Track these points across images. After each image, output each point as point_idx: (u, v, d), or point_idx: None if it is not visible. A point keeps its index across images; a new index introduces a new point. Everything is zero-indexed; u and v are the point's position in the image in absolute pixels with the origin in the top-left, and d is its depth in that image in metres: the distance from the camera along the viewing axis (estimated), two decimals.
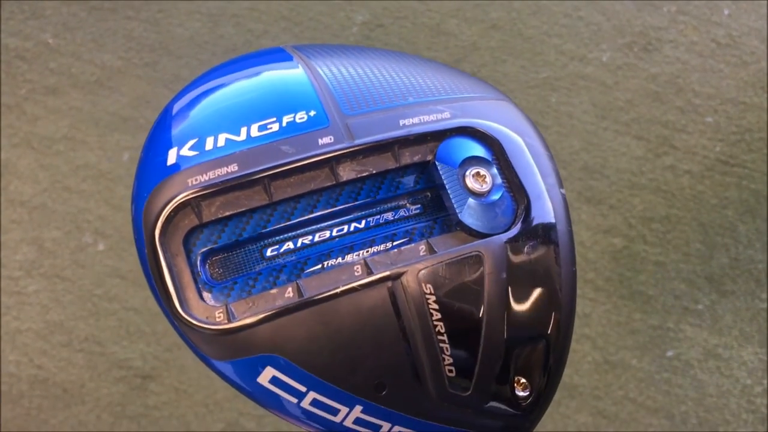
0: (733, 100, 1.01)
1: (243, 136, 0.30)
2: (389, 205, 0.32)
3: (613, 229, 0.94)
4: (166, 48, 1.03)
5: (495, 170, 0.32)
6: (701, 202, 0.96)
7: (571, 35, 1.04)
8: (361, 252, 0.31)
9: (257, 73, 0.34)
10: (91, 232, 0.93)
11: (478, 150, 0.32)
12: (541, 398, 0.32)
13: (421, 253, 0.30)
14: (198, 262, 0.30)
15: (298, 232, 0.31)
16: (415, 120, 0.31)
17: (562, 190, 0.32)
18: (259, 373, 0.29)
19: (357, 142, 0.30)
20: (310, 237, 0.31)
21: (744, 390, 0.89)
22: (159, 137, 0.32)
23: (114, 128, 0.98)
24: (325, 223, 0.31)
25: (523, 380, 0.31)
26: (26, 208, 0.95)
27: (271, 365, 0.29)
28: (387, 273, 0.29)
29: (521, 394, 0.31)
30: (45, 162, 0.96)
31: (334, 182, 0.30)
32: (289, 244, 0.31)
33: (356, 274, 0.29)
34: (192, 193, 0.29)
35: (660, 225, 0.95)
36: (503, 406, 0.31)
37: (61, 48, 1.03)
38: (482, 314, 0.30)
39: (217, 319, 0.29)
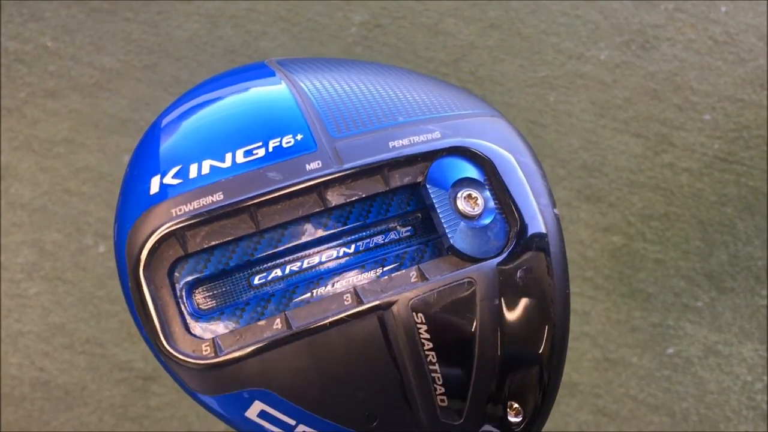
0: (731, 98, 1.01)
1: (228, 163, 0.29)
2: (379, 228, 0.31)
3: (612, 227, 0.94)
4: (165, 50, 1.03)
5: (487, 192, 0.31)
6: (700, 199, 0.96)
7: (569, 34, 1.04)
8: (350, 279, 0.30)
9: (240, 93, 0.33)
10: (91, 234, 0.93)
11: (469, 171, 0.31)
12: (534, 423, 0.31)
13: (413, 280, 0.29)
14: (183, 293, 0.29)
15: (287, 258, 0.30)
16: (405, 141, 0.30)
17: (556, 210, 0.32)
18: (247, 408, 0.28)
19: (346, 166, 0.29)
20: (298, 264, 0.30)
21: (744, 387, 0.89)
22: (141, 164, 0.30)
23: (114, 130, 0.98)
24: (314, 249, 0.30)
25: (516, 405, 0.31)
26: (27, 211, 0.95)
27: (259, 399, 0.28)
28: (377, 302, 0.28)
29: (514, 419, 0.31)
30: (45, 165, 0.97)
31: (323, 208, 0.29)
32: (277, 272, 0.30)
33: (346, 303, 0.28)
34: (176, 224, 0.28)
35: (659, 222, 0.95)
36: None
37: (60, 51, 1.03)
38: (474, 342, 0.29)
39: (204, 353, 0.28)
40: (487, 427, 0.30)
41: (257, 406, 0.28)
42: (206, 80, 0.34)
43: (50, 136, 0.98)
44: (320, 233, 0.30)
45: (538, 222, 0.31)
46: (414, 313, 0.28)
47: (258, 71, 0.34)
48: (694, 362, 0.90)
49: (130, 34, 1.04)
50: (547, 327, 0.30)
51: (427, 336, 0.29)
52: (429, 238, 0.31)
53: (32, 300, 0.91)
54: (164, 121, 0.32)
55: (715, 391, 0.89)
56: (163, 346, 0.28)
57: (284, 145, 0.29)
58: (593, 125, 0.99)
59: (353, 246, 0.31)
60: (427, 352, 0.29)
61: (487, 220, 0.30)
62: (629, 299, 0.91)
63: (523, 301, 0.30)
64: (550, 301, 0.30)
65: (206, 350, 0.28)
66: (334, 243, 0.31)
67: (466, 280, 0.29)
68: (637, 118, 1.00)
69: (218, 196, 0.28)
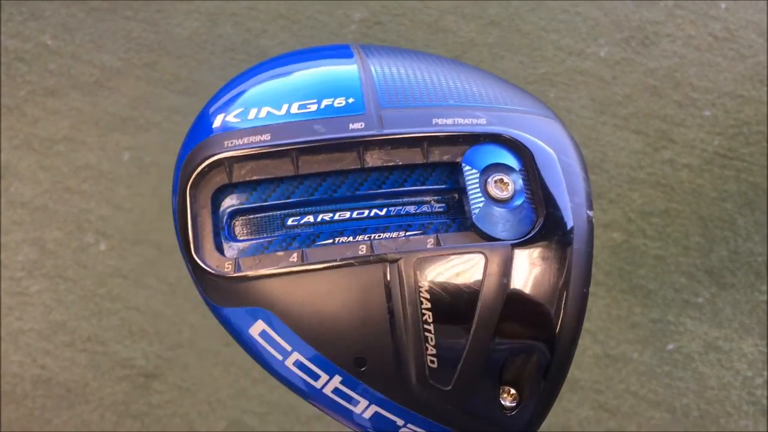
0: (730, 94, 1.01)
1: (283, 112, 0.32)
2: (414, 199, 0.33)
3: (612, 223, 0.94)
4: (165, 48, 1.03)
5: (520, 180, 0.32)
6: (700, 195, 0.96)
7: (569, 30, 1.04)
8: (373, 235, 0.32)
9: (316, 62, 0.37)
10: (92, 232, 0.94)
11: (507, 158, 0.32)
12: (534, 414, 0.32)
13: (428, 246, 0.31)
14: (225, 218, 0.32)
15: (320, 207, 0.33)
16: (449, 121, 0.32)
17: (590, 212, 0.32)
18: (251, 324, 0.31)
19: (386, 131, 0.31)
20: (330, 214, 0.33)
21: (745, 382, 0.89)
22: (215, 103, 0.34)
23: (114, 128, 0.98)
24: (348, 204, 0.33)
25: (513, 391, 0.31)
26: (27, 209, 0.95)
27: (262, 319, 0.30)
28: (386, 254, 0.30)
29: (508, 404, 0.31)
30: (45, 163, 0.97)
31: (360, 167, 0.32)
32: (309, 218, 0.33)
33: (360, 252, 0.30)
34: (226, 154, 0.31)
35: (659, 219, 0.95)
36: (486, 412, 0.31)
37: (60, 49, 1.03)
38: (473, 314, 0.30)
39: (225, 270, 0.31)
40: (476, 404, 0.31)
41: (260, 325, 0.31)
42: (297, 50, 0.38)
43: (50, 134, 0.98)
44: (356, 191, 0.33)
45: (566, 216, 0.31)
46: (418, 272, 0.30)
47: (340, 50, 0.37)
48: (694, 358, 0.90)
49: (130, 32, 1.04)
50: (554, 320, 0.31)
51: (427, 296, 0.30)
52: (458, 216, 0.33)
53: (33, 298, 0.91)
54: (247, 75, 0.36)
55: (716, 386, 0.89)
56: (192, 256, 0.31)
57: (335, 105, 0.32)
58: (593, 122, 0.99)
59: (385, 209, 0.33)
60: (424, 311, 0.30)
61: (514, 206, 0.31)
62: (630, 295, 0.91)
63: (533, 289, 0.30)
64: (562, 296, 0.31)
65: (228, 267, 0.31)
66: (368, 203, 0.33)
67: (477, 252, 0.30)
68: (637, 114, 1.00)
69: (266, 137, 0.31)
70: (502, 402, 0.31)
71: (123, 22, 1.04)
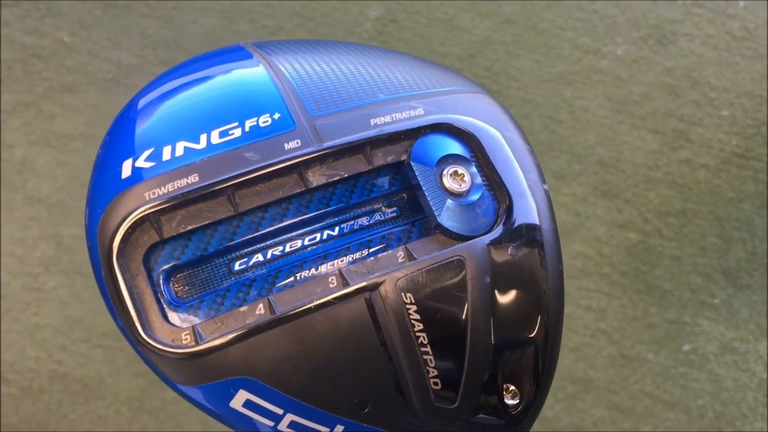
0: (749, 93, 1.01)
1: (203, 144, 0.28)
2: (364, 209, 0.30)
3: (628, 223, 0.94)
4: (181, 45, 1.03)
5: (474, 168, 0.30)
6: (717, 195, 0.95)
7: (586, 29, 1.04)
8: (335, 261, 0.29)
9: (217, 74, 0.32)
10: None
11: (455, 147, 0.30)
12: (532, 405, 0.30)
13: (400, 260, 0.28)
14: (161, 281, 0.28)
15: (268, 243, 0.29)
16: (387, 118, 0.30)
17: (545, 186, 0.31)
18: (231, 397, 0.27)
19: (326, 145, 0.28)
20: (280, 248, 0.29)
21: (761, 384, 0.89)
22: (112, 147, 0.30)
23: None
24: (297, 232, 0.29)
25: (512, 387, 0.30)
26: (44, 206, 0.95)
27: (244, 388, 0.27)
28: (363, 284, 0.27)
29: (511, 402, 0.30)
30: (63, 159, 0.97)
31: (304, 188, 0.28)
32: (259, 257, 0.29)
33: (331, 286, 0.27)
34: (150, 208, 0.27)
35: (676, 219, 0.94)
36: (493, 416, 0.30)
37: (77, 46, 1.03)
38: (466, 322, 0.28)
39: (184, 342, 0.27)
40: (483, 412, 0.30)
41: (242, 396, 0.27)
42: (182, 63, 0.33)
43: (67, 130, 0.99)
44: (302, 216, 0.29)
45: (527, 198, 0.30)
46: (402, 294, 0.27)
47: (235, 54, 0.33)
48: (710, 359, 0.89)
49: (147, 29, 1.04)
50: (540, 305, 0.30)
51: (417, 317, 0.28)
52: (415, 218, 0.30)
53: (50, 294, 0.92)
54: (138, 104, 0.31)
55: (732, 388, 0.88)
56: (141, 336, 0.27)
57: (261, 124, 0.28)
58: (610, 121, 0.99)
59: (337, 228, 0.30)
60: (417, 334, 0.28)
61: (474, 197, 0.29)
62: (645, 296, 0.91)
63: (515, 279, 0.29)
64: (543, 278, 0.30)
65: (186, 339, 0.27)
66: (318, 225, 0.30)
67: (455, 258, 0.28)
68: (654, 113, 0.99)
69: (193, 178, 0.27)
70: (506, 401, 0.30)
71: (139, 19, 1.05)
